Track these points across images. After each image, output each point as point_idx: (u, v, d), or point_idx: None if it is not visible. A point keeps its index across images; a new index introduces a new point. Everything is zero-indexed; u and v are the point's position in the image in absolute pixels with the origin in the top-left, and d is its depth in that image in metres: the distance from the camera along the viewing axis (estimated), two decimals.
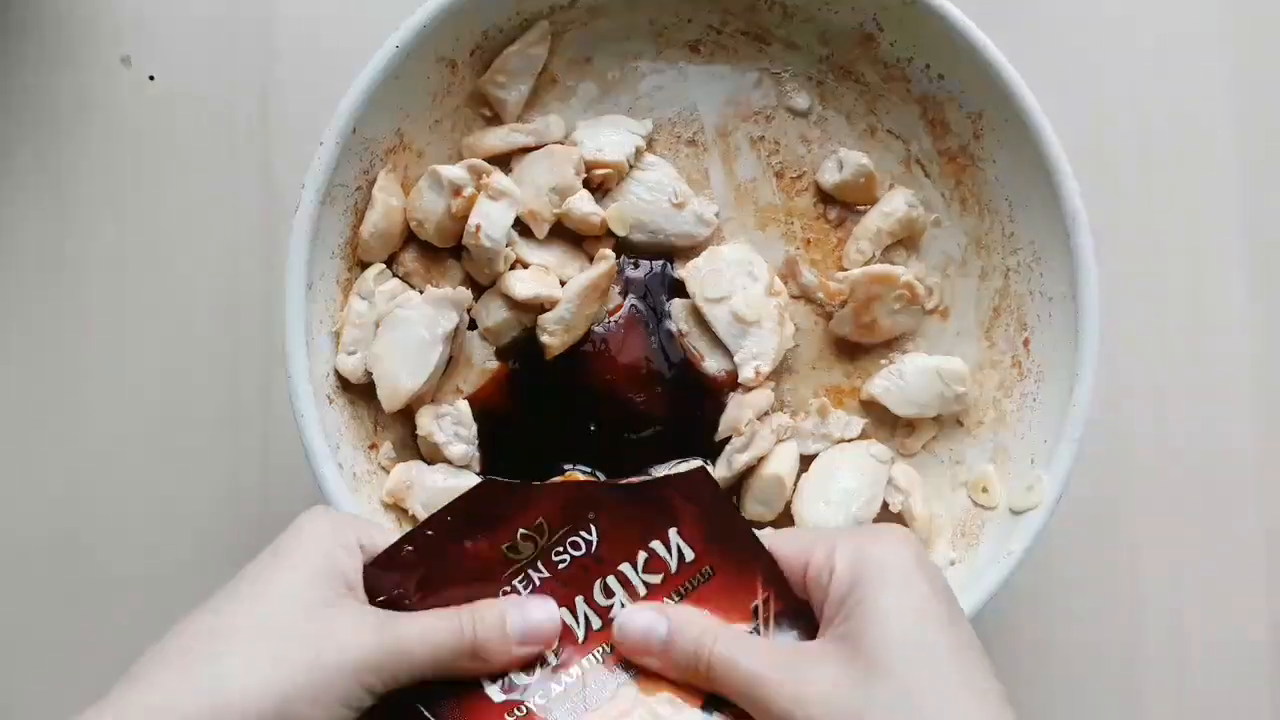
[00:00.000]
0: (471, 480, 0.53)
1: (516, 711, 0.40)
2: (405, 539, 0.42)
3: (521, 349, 0.54)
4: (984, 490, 0.54)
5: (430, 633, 0.39)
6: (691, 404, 0.55)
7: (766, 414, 0.54)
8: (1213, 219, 0.65)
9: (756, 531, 0.43)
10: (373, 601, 0.41)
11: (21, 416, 0.61)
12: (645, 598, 0.42)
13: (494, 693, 0.40)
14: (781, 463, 0.54)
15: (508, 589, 0.42)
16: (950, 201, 0.57)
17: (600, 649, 0.42)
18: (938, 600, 0.39)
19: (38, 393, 0.61)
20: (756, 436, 0.54)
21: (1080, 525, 0.62)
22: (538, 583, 0.42)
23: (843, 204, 0.57)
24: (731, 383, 0.55)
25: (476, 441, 0.53)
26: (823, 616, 0.40)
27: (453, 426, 0.53)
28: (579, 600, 0.42)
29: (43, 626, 0.60)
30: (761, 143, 0.57)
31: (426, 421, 0.52)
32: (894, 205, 0.55)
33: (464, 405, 0.53)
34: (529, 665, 0.41)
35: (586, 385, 0.54)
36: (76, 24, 0.63)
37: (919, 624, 0.38)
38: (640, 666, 0.41)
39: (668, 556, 0.43)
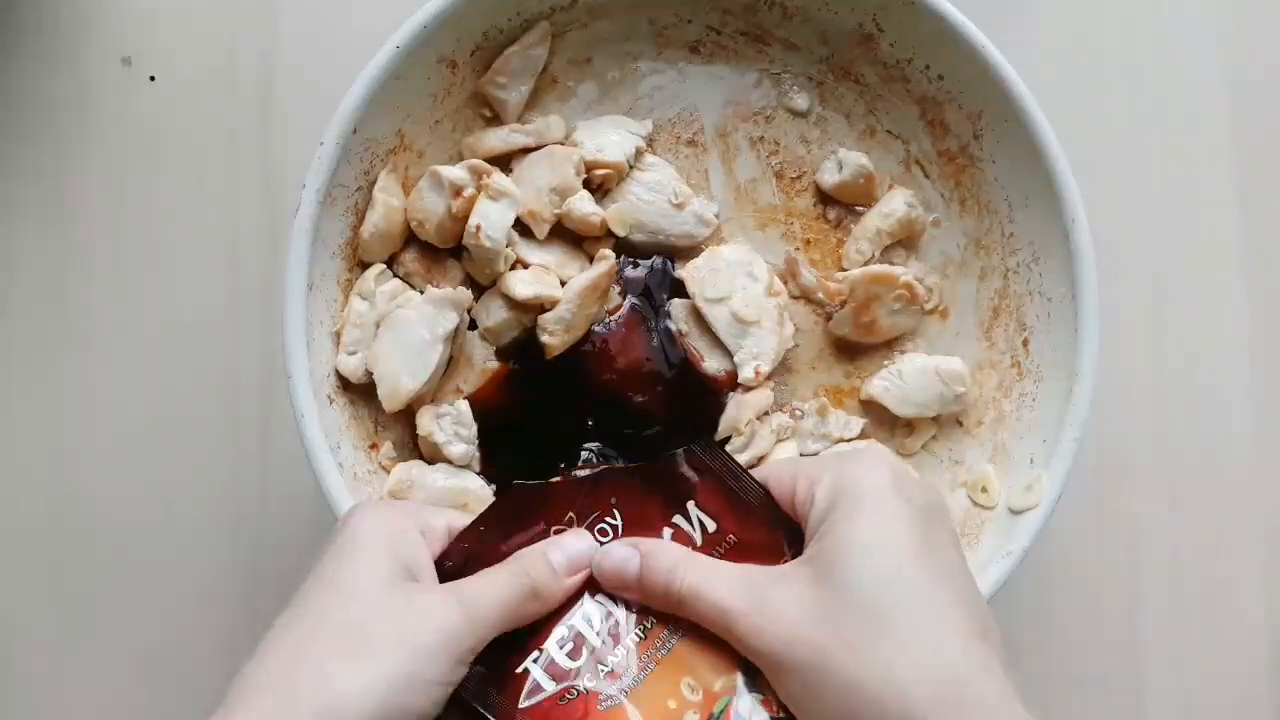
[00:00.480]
0: (472, 480, 0.53)
1: (568, 695, 0.41)
2: (444, 555, 0.43)
3: (522, 349, 0.54)
4: (983, 490, 0.54)
5: (495, 588, 0.41)
6: (691, 404, 0.55)
7: (766, 414, 0.54)
8: (1212, 219, 0.65)
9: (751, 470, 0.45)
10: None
11: (21, 416, 0.61)
12: None
13: (546, 684, 0.41)
14: None
15: None
16: (950, 202, 0.57)
17: (641, 628, 0.42)
18: (912, 523, 0.40)
19: (37, 392, 0.61)
20: (756, 436, 0.54)
21: (1080, 525, 0.62)
22: None
23: (842, 204, 0.57)
24: (731, 383, 0.55)
25: (476, 441, 0.53)
26: (806, 543, 0.42)
27: (453, 426, 0.53)
28: (599, 611, 0.43)
29: (41, 625, 0.60)
30: (761, 143, 0.57)
31: (427, 421, 0.53)
32: (893, 205, 0.56)
33: (464, 405, 0.53)
34: (575, 651, 0.42)
35: (587, 385, 0.54)
36: (77, 25, 0.63)
37: (887, 550, 0.39)
38: (678, 640, 0.42)
39: (691, 530, 0.44)
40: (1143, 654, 0.62)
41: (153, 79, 0.63)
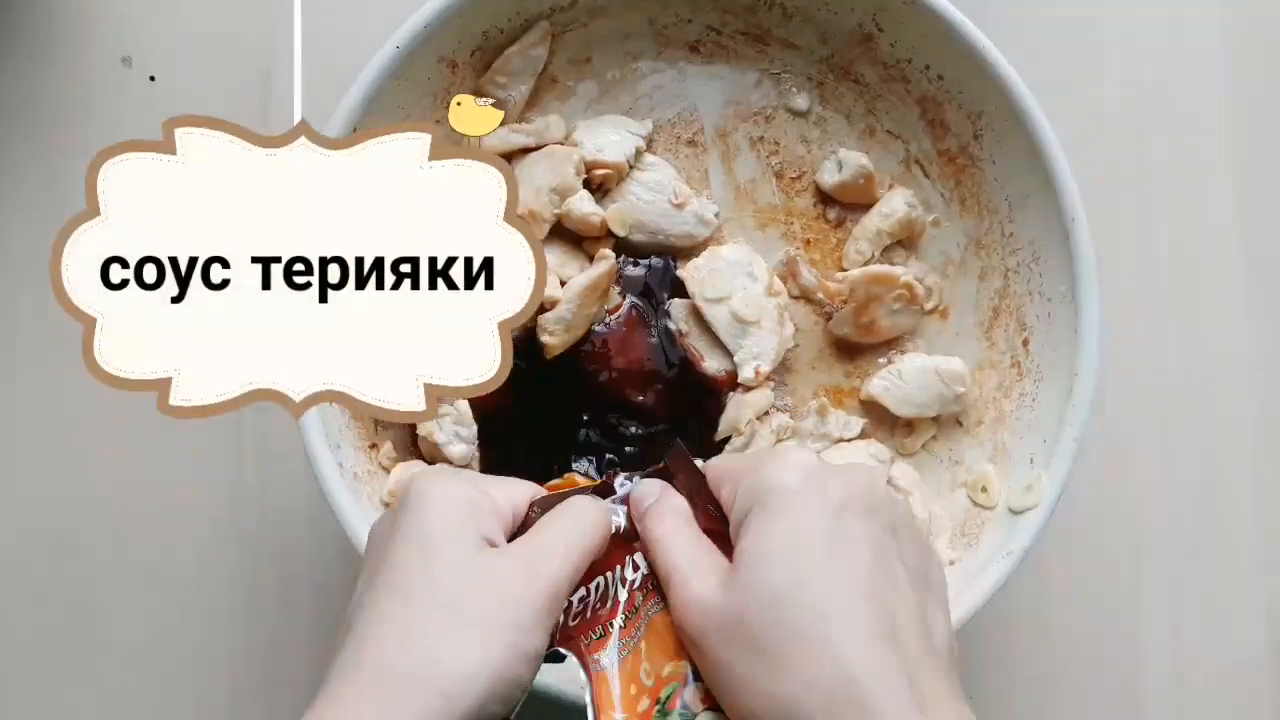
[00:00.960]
0: None
1: (562, 652, 0.42)
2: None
3: (521, 349, 0.54)
4: (983, 490, 0.54)
5: (565, 550, 0.41)
6: (691, 404, 0.55)
7: (766, 414, 0.54)
8: (1211, 219, 0.65)
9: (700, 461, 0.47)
10: None
11: (20, 415, 0.61)
12: None
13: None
14: None
15: None
16: (949, 202, 0.57)
17: (623, 615, 0.43)
18: (820, 523, 0.39)
19: (37, 392, 0.61)
20: (756, 436, 0.54)
21: (1080, 525, 0.62)
22: None
23: (842, 204, 0.57)
24: (731, 383, 0.55)
25: (476, 441, 0.53)
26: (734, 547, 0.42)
27: (453, 427, 0.53)
28: (610, 575, 0.44)
29: (41, 625, 0.60)
30: (761, 143, 0.57)
31: (427, 421, 0.52)
32: (893, 205, 0.56)
33: (464, 405, 0.53)
34: (574, 617, 0.42)
35: (586, 385, 0.54)
36: (77, 24, 0.63)
37: (787, 557, 0.39)
38: (646, 629, 0.43)
39: None
40: (1143, 654, 0.62)
41: (153, 79, 0.63)
